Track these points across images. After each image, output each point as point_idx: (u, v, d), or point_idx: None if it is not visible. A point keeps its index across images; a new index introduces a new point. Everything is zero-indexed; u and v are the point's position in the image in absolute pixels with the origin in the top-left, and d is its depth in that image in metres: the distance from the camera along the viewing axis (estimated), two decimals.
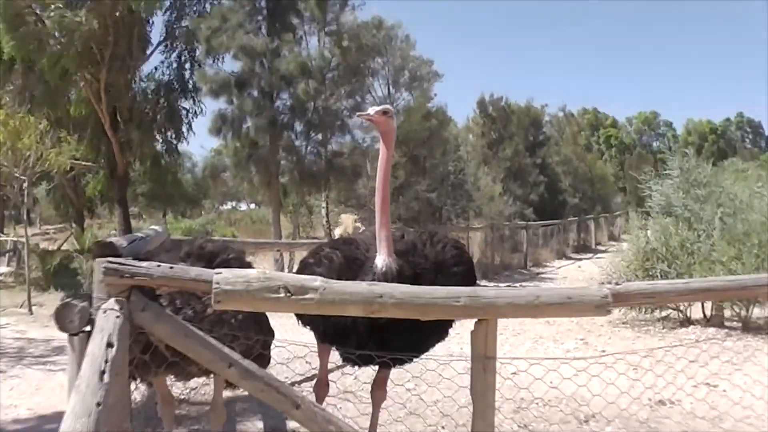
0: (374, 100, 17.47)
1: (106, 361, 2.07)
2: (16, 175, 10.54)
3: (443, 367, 2.68)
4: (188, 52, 16.66)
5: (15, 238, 14.99)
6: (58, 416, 1.95)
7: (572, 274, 15.57)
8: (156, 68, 16.63)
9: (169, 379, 3.42)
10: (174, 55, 16.59)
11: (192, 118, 16.90)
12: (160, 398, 3.43)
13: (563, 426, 4.41)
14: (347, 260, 3.19)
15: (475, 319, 2.44)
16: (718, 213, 8.26)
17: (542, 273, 16.71)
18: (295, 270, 3.74)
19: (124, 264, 2.31)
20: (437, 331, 3.15)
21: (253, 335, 2.94)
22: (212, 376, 3.13)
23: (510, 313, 2.50)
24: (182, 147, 18.72)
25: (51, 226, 30.00)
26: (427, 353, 3.19)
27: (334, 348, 3.35)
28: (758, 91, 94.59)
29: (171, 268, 2.33)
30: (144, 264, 2.32)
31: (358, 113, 4.15)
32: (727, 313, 7.99)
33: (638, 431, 4.23)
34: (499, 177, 19.69)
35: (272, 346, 3.33)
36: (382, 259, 3.04)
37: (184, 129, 16.97)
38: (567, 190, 25.59)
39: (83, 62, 13.09)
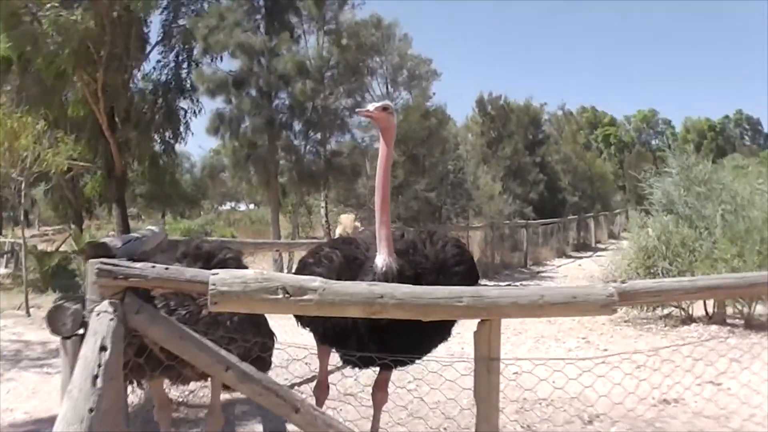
0: (373, 99, 17.40)
1: (99, 366, 2.02)
2: (14, 176, 10.48)
3: (445, 368, 2.62)
4: (186, 52, 16.62)
5: (13, 240, 14.93)
6: (54, 420, 1.90)
7: (573, 273, 15.53)
8: (154, 68, 16.62)
9: (166, 383, 3.36)
10: (172, 54, 16.57)
11: (190, 118, 16.90)
12: (157, 401, 3.38)
13: (567, 426, 4.35)
14: (347, 260, 3.14)
15: (478, 320, 2.38)
16: (719, 210, 8.22)
17: (542, 272, 16.68)
18: (294, 270, 3.68)
19: (117, 265, 2.25)
20: (439, 331, 3.09)
21: (250, 337, 2.88)
22: (209, 379, 3.07)
23: (514, 313, 2.45)
24: (181, 147, 18.74)
25: (50, 228, 29.92)
26: (428, 354, 3.14)
27: (334, 350, 3.29)
28: (757, 87, 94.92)
29: (166, 269, 2.27)
30: (138, 265, 2.27)
31: (357, 109, 4.09)
32: (729, 310, 7.94)
33: (644, 431, 4.18)
34: (499, 176, 19.66)
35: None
36: (382, 259, 2.98)
37: (182, 129, 16.95)
38: (566, 189, 25.59)
39: (80, 62, 13.04)
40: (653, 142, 62.56)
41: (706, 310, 8.05)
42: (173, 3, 16.07)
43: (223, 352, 2.33)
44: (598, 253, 18.14)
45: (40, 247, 16.09)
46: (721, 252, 7.71)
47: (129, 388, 3.21)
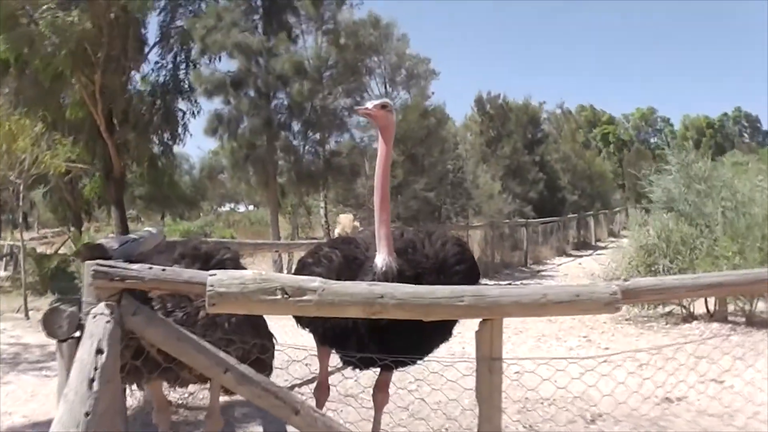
0: (371, 99, 17.34)
1: (96, 369, 1.99)
2: (12, 178, 10.44)
3: (446, 369, 2.59)
4: (184, 53, 16.58)
5: (11, 242, 14.89)
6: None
7: (573, 271, 15.50)
8: (152, 69, 16.56)
9: (165, 385, 3.33)
10: (169, 56, 16.52)
11: (188, 119, 16.85)
12: (156, 404, 3.35)
13: (570, 426, 4.32)
14: (346, 260, 3.11)
15: (479, 319, 2.35)
16: (719, 207, 8.19)
17: (543, 270, 16.66)
18: (293, 271, 3.65)
19: (114, 266, 2.22)
20: (440, 331, 3.06)
21: (249, 339, 2.85)
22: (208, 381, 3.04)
23: (516, 312, 2.42)
24: (179, 148, 18.67)
25: (49, 230, 29.87)
26: (429, 354, 3.11)
27: (334, 351, 3.26)
28: (755, 85, 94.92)
29: (163, 270, 2.24)
30: (135, 266, 2.24)
31: (355, 107, 4.07)
32: (731, 307, 7.92)
33: (648, 431, 4.15)
34: (498, 175, 19.64)
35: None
36: (382, 259, 2.95)
37: (180, 130, 16.90)
38: (566, 188, 25.58)
39: (77, 63, 12.99)
40: (652, 140, 62.57)
41: (707, 307, 8.03)
42: (171, 3, 16.02)
43: (222, 354, 2.30)
44: (599, 252, 18.12)
45: (39, 249, 16.06)
46: (721, 249, 7.69)
47: (127, 391, 3.18)
